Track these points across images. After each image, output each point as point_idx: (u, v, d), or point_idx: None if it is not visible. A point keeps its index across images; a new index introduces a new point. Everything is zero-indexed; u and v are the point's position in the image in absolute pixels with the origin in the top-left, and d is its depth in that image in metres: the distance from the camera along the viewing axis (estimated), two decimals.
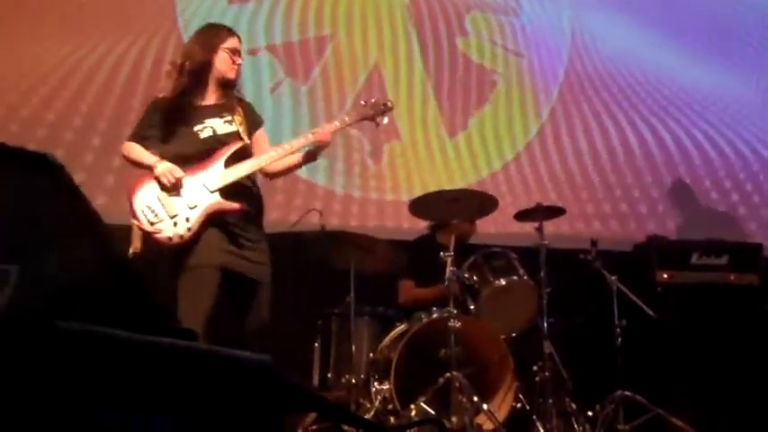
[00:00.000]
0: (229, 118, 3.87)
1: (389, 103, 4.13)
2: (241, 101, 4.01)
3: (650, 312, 4.91)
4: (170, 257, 3.70)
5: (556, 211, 4.94)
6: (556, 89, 6.41)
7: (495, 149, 6.22)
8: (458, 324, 4.35)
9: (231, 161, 3.79)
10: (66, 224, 1.57)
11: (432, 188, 4.86)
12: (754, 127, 6.75)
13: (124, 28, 5.66)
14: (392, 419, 4.30)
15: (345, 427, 3.19)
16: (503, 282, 4.74)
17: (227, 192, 3.75)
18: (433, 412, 4.24)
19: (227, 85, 3.93)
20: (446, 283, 4.47)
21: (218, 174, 3.75)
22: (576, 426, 4.54)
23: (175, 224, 3.65)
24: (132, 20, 5.71)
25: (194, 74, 3.86)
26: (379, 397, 4.41)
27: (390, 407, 4.35)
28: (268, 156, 3.89)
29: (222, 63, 3.88)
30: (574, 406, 4.60)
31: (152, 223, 3.64)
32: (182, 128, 3.82)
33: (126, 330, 1.31)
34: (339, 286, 4.72)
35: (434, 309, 4.64)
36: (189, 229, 3.66)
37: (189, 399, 1.28)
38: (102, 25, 5.64)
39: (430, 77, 6.19)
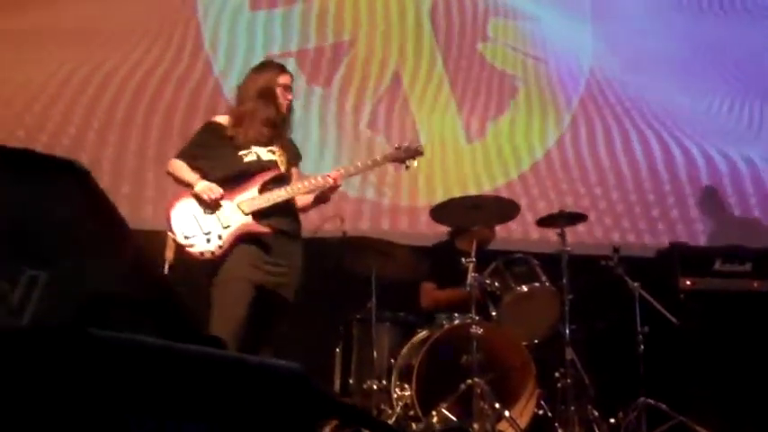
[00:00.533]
0: (273, 149, 4.04)
1: (420, 148, 4.35)
2: (289, 139, 4.18)
3: (673, 319, 4.89)
4: (205, 271, 3.84)
5: (578, 218, 4.92)
6: (576, 96, 6.39)
7: (515, 155, 6.21)
8: (480, 330, 4.34)
9: (267, 187, 3.94)
10: (93, 231, 1.57)
11: (451, 194, 4.86)
12: None
13: (146, 39, 5.69)
14: (413, 426, 4.30)
15: None
16: (524, 288, 4.72)
17: (266, 212, 3.89)
18: (454, 419, 4.24)
19: (276, 121, 4.07)
20: (468, 289, 4.47)
21: (252, 197, 3.90)
22: None
23: (208, 240, 3.80)
24: (153, 33, 5.73)
25: (252, 114, 4.01)
26: (400, 403, 4.41)
27: (412, 413, 4.34)
28: (298, 187, 4.03)
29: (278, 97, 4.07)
30: (596, 413, 4.58)
31: (186, 237, 3.78)
32: (229, 152, 3.98)
33: (156, 337, 1.31)
34: (360, 292, 4.73)
35: (456, 315, 4.63)
36: (220, 247, 3.80)
37: (221, 407, 1.28)
38: (124, 35, 5.67)
39: (450, 83, 6.18)
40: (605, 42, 6.54)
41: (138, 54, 5.67)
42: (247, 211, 3.87)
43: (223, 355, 1.37)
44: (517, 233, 5.62)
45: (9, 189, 1.46)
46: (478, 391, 4.20)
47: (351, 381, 4.71)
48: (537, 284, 4.75)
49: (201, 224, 3.82)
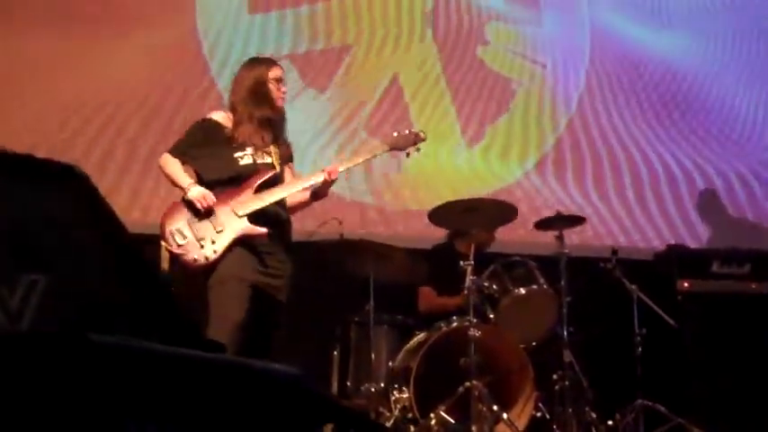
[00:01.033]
0: (269, 149, 3.98)
1: (422, 134, 4.25)
2: (285, 139, 4.13)
3: (671, 321, 4.90)
4: (201, 275, 3.78)
5: (576, 220, 4.93)
6: (575, 98, 6.39)
7: (514, 158, 6.21)
8: (478, 333, 4.34)
9: (262, 188, 3.88)
10: (92, 235, 1.58)
11: (450, 197, 4.86)
12: None
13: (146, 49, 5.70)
14: (412, 428, 4.31)
15: None
16: (522, 291, 4.73)
17: (256, 216, 3.83)
18: (452, 421, 4.24)
19: (274, 113, 4.01)
20: (466, 291, 4.47)
21: (247, 199, 3.84)
22: None
23: (202, 246, 3.75)
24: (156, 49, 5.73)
25: (245, 105, 3.96)
26: (398, 406, 4.41)
27: (410, 415, 4.35)
28: (293, 185, 3.99)
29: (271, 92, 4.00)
30: (594, 415, 4.59)
31: (179, 245, 3.74)
32: (224, 152, 3.92)
33: (154, 342, 1.32)
34: (358, 295, 4.73)
35: (454, 318, 4.64)
36: (215, 252, 3.75)
37: (221, 411, 1.28)
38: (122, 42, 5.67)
39: (449, 86, 6.18)
40: (604, 42, 6.54)
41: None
42: (241, 213, 3.80)
43: (222, 360, 1.37)
44: (515, 236, 5.61)
45: (8, 194, 1.46)
46: (476, 393, 4.21)
47: (348, 384, 4.71)
48: (535, 287, 4.76)
49: (195, 231, 3.77)
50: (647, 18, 6.69)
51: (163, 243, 3.75)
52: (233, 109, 3.99)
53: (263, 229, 3.81)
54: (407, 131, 4.26)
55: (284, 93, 4.05)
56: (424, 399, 4.34)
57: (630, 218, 6.27)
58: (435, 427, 4.22)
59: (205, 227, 3.78)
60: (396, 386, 4.50)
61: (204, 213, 3.78)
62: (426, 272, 5.08)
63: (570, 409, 4.48)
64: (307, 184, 4.01)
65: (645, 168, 6.39)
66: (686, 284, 5.48)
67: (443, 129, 6.12)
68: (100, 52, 5.59)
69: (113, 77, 5.59)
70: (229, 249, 3.77)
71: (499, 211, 4.73)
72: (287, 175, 4.10)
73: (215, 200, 3.79)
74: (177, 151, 3.93)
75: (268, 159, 3.96)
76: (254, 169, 3.90)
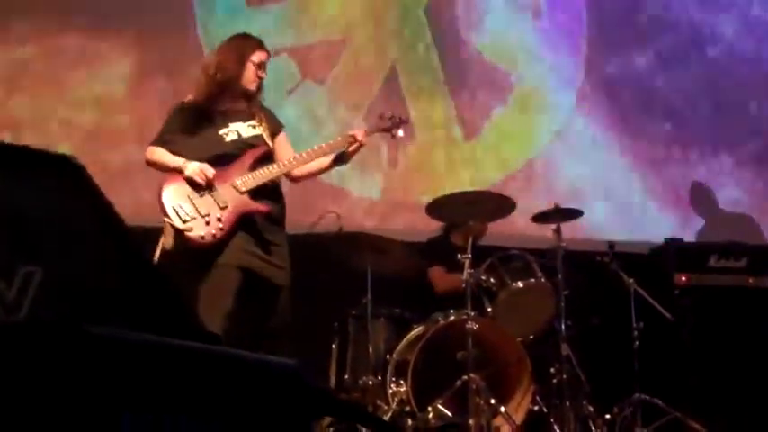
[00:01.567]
0: (253, 123, 3.94)
1: (405, 117, 4.32)
2: (261, 107, 4.06)
3: (668, 315, 4.90)
4: (192, 256, 3.71)
5: (573, 214, 4.92)
6: (574, 91, 6.39)
7: (512, 152, 6.21)
8: (475, 326, 4.34)
9: (255, 165, 3.84)
10: (88, 226, 1.57)
11: (447, 190, 4.85)
12: None
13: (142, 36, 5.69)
14: (409, 421, 4.30)
15: (364, 430, 3.20)
16: (520, 284, 4.72)
17: (257, 192, 3.79)
18: (450, 414, 4.24)
19: (247, 96, 3.98)
20: (463, 285, 4.46)
21: (245, 175, 3.79)
22: (593, 429, 4.53)
23: (207, 223, 3.66)
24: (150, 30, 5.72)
25: (223, 83, 3.90)
26: (396, 399, 4.41)
27: (407, 409, 4.35)
28: (296, 158, 3.96)
29: (247, 75, 3.93)
30: (591, 409, 4.59)
31: (184, 221, 3.65)
32: (207, 131, 3.87)
33: (152, 333, 1.32)
34: (356, 288, 4.73)
35: (451, 311, 4.63)
36: (221, 229, 3.67)
37: (217, 402, 1.28)
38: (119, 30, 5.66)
39: (447, 79, 6.17)
40: (603, 35, 6.54)
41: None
42: (243, 189, 3.75)
43: (219, 351, 1.37)
44: (513, 229, 5.61)
45: (3, 185, 1.45)
46: (474, 386, 4.20)
47: (346, 377, 4.71)
48: (532, 280, 4.75)
49: (198, 206, 3.68)
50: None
51: (166, 219, 3.66)
52: (209, 76, 3.90)
53: (265, 206, 3.79)
54: (390, 113, 4.30)
55: (261, 78, 3.97)
56: (422, 392, 4.34)
57: (628, 211, 6.27)
58: (433, 421, 4.22)
59: (208, 202, 3.70)
60: (393, 379, 4.50)
61: (204, 189, 3.71)
62: (424, 264, 5.09)
63: (568, 403, 4.48)
64: (329, 150, 4.00)
65: (643, 162, 6.39)
66: (683, 278, 5.49)
67: (441, 122, 6.11)
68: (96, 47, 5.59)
69: (111, 71, 5.60)
70: (235, 227, 3.70)
71: (497, 204, 4.71)
72: (281, 147, 4.05)
73: (214, 172, 3.73)
74: (159, 141, 3.89)
75: (256, 132, 3.92)
76: (241, 145, 3.86)
